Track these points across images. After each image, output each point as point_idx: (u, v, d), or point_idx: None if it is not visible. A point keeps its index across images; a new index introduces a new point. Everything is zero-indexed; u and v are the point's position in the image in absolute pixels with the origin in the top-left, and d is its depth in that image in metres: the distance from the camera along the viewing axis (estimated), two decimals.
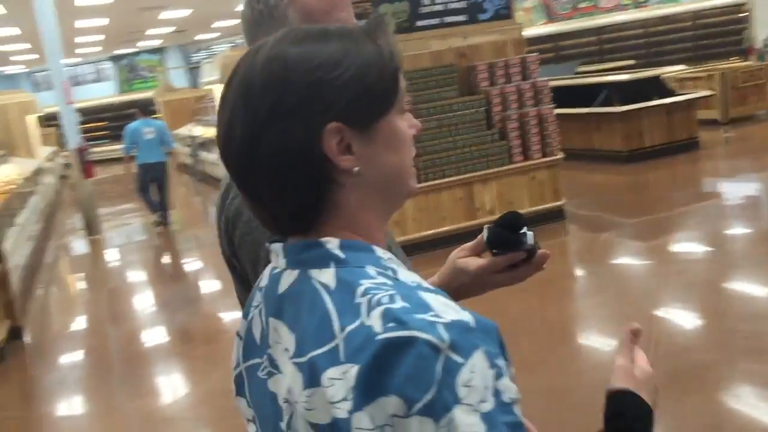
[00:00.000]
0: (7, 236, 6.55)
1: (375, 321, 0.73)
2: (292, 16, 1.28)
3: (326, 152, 0.79)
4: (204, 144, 13.70)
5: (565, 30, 17.92)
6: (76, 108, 9.85)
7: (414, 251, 6.24)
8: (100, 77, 24.96)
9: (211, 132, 13.28)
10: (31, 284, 7.25)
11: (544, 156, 6.72)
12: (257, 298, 0.90)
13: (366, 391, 0.72)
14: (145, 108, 10.85)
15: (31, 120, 14.01)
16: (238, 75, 0.83)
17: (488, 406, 0.71)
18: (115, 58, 24.36)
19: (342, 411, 0.73)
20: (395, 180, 0.86)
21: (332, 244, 0.81)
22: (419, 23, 6.76)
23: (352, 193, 0.82)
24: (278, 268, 0.86)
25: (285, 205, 0.82)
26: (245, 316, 0.93)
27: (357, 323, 0.74)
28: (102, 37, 17.98)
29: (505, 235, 1.10)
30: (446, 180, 6.38)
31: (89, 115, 20.01)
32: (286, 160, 0.79)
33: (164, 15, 16.06)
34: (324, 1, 1.27)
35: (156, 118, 12.06)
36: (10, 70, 23.66)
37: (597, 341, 4.35)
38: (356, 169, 0.81)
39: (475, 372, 0.71)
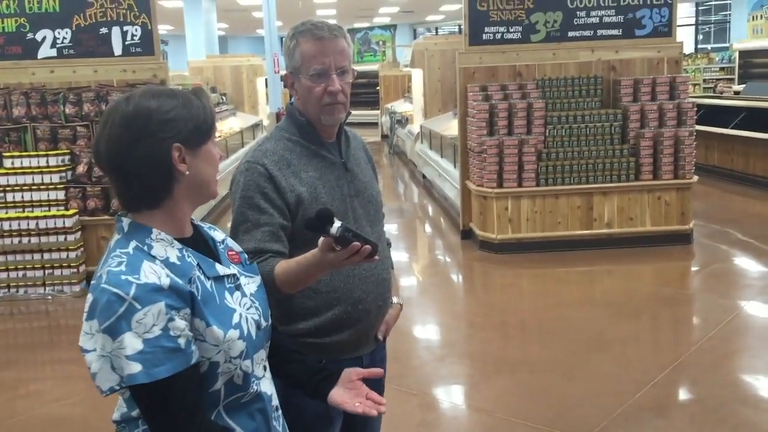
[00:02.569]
0: None
1: (103, 275, 1.33)
2: (296, 55, 1.93)
3: (173, 160, 1.41)
4: (400, 121, 14.69)
5: None
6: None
7: (524, 250, 6.65)
8: None
9: (410, 110, 14.24)
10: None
11: (675, 177, 6.68)
12: None
13: (89, 313, 1.33)
14: None
15: (260, 81, 15.92)
16: (116, 114, 1.38)
17: (151, 335, 1.31)
18: (353, 31, 26.25)
19: (84, 315, 1.34)
20: (206, 183, 1.48)
21: (125, 222, 1.42)
22: (571, 33, 6.98)
23: (183, 187, 1.44)
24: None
25: (146, 189, 1.39)
26: None
27: (100, 273, 1.37)
28: (333, 11, 19.60)
29: (312, 221, 1.58)
30: (565, 187, 6.63)
31: None
32: (150, 163, 1.39)
33: None
34: (313, 50, 1.90)
35: None
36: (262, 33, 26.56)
37: None
38: (187, 172, 1.42)
39: (148, 315, 1.30)
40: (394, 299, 2.11)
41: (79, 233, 6.09)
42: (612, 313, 5.20)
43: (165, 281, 1.33)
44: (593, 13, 6.96)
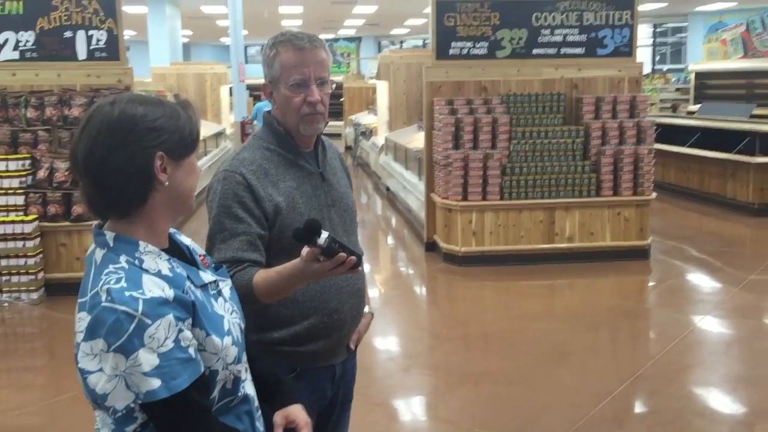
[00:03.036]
0: None
1: (102, 294, 1.28)
2: (276, 65, 1.93)
3: (154, 169, 1.37)
4: (364, 132, 14.74)
5: (761, 68, 16.88)
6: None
7: (487, 262, 6.72)
8: None
9: (374, 122, 14.30)
10: None
11: (634, 194, 6.84)
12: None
13: (89, 333, 1.28)
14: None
15: (224, 90, 15.83)
16: (98, 118, 1.35)
17: (165, 348, 1.29)
18: None
19: (78, 337, 1.31)
20: (186, 196, 1.45)
21: (109, 236, 1.37)
22: (535, 51, 7.12)
23: (161, 197, 1.40)
24: (93, 244, 1.42)
25: (123, 196, 1.35)
26: None
27: (95, 291, 1.30)
28: (299, 22, 19.63)
29: (300, 232, 1.58)
30: (529, 201, 6.74)
31: None
32: (129, 171, 1.34)
33: (357, 10, 17.29)
34: (293, 60, 1.91)
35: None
36: (229, 41, 26.42)
37: None
38: (167, 183, 1.39)
39: (159, 329, 1.28)
40: (366, 309, 2.13)
41: (39, 239, 5.97)
42: (573, 326, 5.30)
43: (169, 293, 1.32)
44: (557, 32, 7.11)
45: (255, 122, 11.54)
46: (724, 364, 4.62)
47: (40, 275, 5.98)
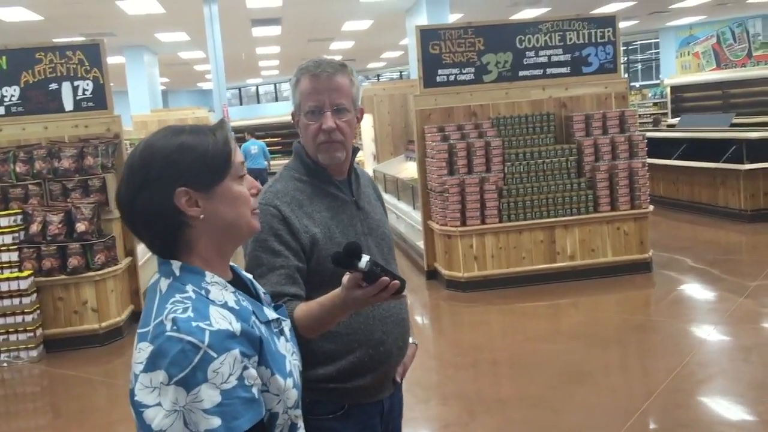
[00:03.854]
0: None
1: (168, 323, 1.20)
2: (296, 93, 1.91)
3: (179, 206, 1.28)
4: None
5: (735, 78, 17.16)
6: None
7: (491, 286, 6.66)
8: (279, 97, 27.10)
9: (359, 156, 14.28)
10: None
11: (632, 208, 6.84)
12: None
13: (149, 364, 1.18)
14: (254, 132, 16.09)
15: None
16: (130, 155, 1.32)
17: (229, 385, 1.20)
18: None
19: (137, 368, 1.21)
20: (233, 225, 1.33)
21: (175, 265, 1.29)
22: (522, 73, 7.16)
23: (201, 232, 1.31)
24: (156, 273, 1.35)
25: (154, 238, 1.31)
26: None
27: (159, 320, 1.22)
28: (276, 62, 19.73)
29: (340, 256, 1.50)
30: (528, 222, 6.71)
31: (266, 130, 21.78)
32: (153, 211, 1.27)
33: (333, 46, 17.41)
34: (308, 88, 1.87)
35: (258, 138, 15.88)
36: (207, 86, 26.48)
37: None
38: (201, 216, 1.28)
39: (224, 364, 1.20)
40: (410, 339, 2.06)
41: (35, 295, 5.83)
42: (584, 344, 5.23)
43: (236, 327, 1.23)
44: (542, 53, 7.16)
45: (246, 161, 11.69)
46: (746, 372, 4.56)
47: (39, 332, 5.83)
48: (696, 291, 6.62)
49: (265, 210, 1.82)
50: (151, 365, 1.19)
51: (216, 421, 1.16)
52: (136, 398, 1.20)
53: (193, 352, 1.17)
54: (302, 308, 1.70)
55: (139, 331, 1.26)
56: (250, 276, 1.50)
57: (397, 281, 1.52)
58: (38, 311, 5.86)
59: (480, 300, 6.52)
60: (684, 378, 4.42)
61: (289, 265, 1.79)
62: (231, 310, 1.26)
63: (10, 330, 5.73)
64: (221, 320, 1.22)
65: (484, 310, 6.37)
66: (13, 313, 5.71)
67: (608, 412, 4.02)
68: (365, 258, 1.48)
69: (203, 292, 1.27)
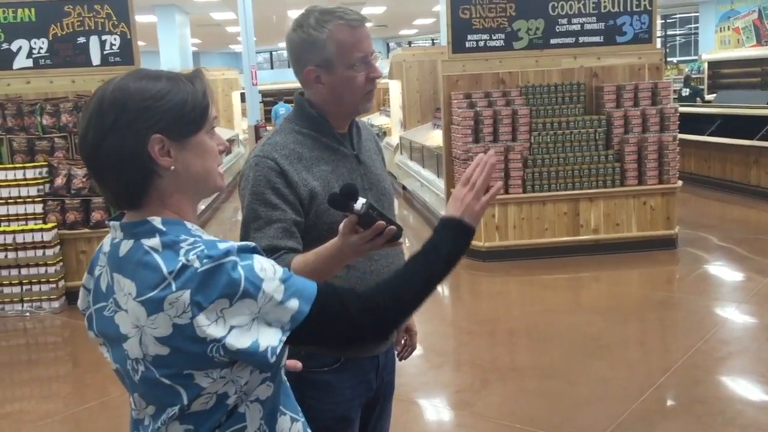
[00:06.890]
0: None
1: (194, 262, 1.14)
2: (329, 47, 1.81)
3: (151, 154, 1.21)
4: (377, 134, 14.65)
5: None
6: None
7: (511, 257, 6.60)
8: None
9: (386, 123, 14.23)
10: None
11: (660, 182, 6.70)
12: (102, 259, 1.29)
13: (196, 304, 1.12)
14: (283, 96, 16.38)
15: (235, 95, 15.79)
16: (96, 97, 1.22)
17: (278, 272, 1.21)
18: None
19: (183, 319, 1.13)
20: (200, 179, 1.27)
21: (156, 221, 1.22)
22: (553, 41, 7.00)
23: (170, 183, 1.24)
24: (117, 238, 1.25)
25: (122, 186, 1.22)
26: (91, 272, 1.33)
27: (179, 266, 1.14)
28: None
29: (336, 197, 1.48)
30: (552, 193, 6.61)
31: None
32: (123, 157, 1.20)
33: (365, 10, 17.21)
34: (351, 38, 1.80)
35: (287, 102, 15.68)
36: (238, 48, 26.45)
37: None
38: (173, 167, 1.23)
39: (261, 260, 1.20)
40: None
41: (58, 247, 5.90)
42: (604, 318, 5.17)
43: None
44: (575, 21, 6.99)
45: (276, 122, 11.69)
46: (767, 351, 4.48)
47: (61, 284, 5.92)
48: (721, 269, 6.50)
49: (262, 163, 1.79)
50: (199, 305, 1.14)
51: (294, 303, 1.21)
52: (213, 335, 1.15)
53: (234, 267, 1.16)
54: (298, 259, 1.68)
55: (142, 298, 1.17)
56: None
57: (393, 227, 1.50)
58: (61, 263, 5.93)
59: (500, 270, 6.47)
60: (704, 355, 4.35)
61: (286, 219, 1.76)
62: (224, 242, 1.24)
63: (33, 281, 5.82)
64: (228, 244, 1.21)
65: (503, 281, 6.32)
66: (36, 264, 5.79)
67: (624, 385, 3.97)
68: (362, 200, 1.47)
69: (197, 237, 1.22)
